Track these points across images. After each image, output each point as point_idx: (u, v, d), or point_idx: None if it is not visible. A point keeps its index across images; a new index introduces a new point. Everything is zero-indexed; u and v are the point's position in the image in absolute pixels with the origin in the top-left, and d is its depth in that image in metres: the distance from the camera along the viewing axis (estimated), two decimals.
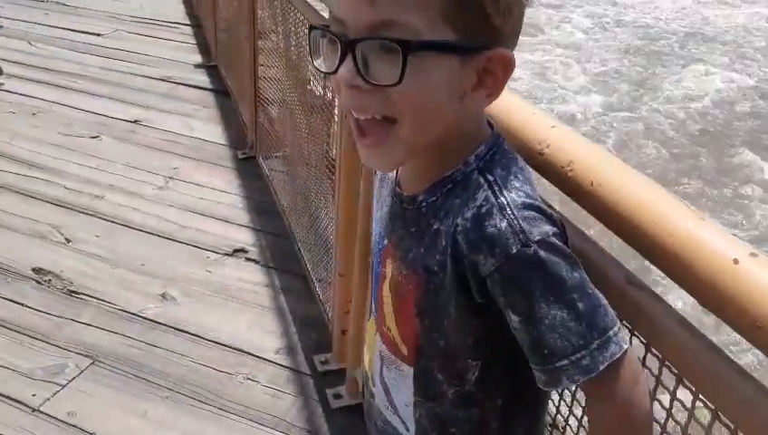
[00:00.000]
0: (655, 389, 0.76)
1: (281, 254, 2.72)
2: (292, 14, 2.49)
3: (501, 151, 0.76)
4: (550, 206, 0.76)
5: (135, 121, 3.85)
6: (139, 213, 2.95)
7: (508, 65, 0.70)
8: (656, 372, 0.75)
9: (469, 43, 0.67)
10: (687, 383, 0.69)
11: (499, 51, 0.69)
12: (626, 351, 0.69)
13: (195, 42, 5.20)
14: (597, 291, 0.69)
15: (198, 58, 4.85)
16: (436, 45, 0.65)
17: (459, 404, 0.80)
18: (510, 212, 0.68)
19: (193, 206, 3.03)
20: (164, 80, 4.46)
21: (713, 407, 0.66)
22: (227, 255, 2.71)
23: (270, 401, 2.01)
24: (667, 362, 0.73)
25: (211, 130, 3.78)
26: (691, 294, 0.67)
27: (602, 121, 6.14)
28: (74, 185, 3.15)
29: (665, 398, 0.76)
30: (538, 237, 0.67)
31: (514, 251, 0.67)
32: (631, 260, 0.81)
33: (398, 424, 0.88)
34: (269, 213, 2.99)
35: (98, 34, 5.32)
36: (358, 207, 1.76)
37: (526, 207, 0.69)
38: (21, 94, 4.14)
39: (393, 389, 0.86)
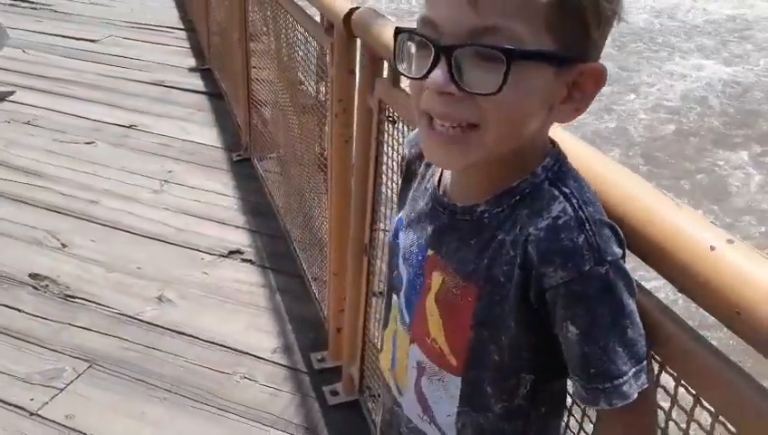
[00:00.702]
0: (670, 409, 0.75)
1: (276, 254, 2.73)
2: (281, 15, 2.50)
3: (566, 164, 0.75)
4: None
5: (130, 126, 3.86)
6: (135, 217, 2.96)
7: (600, 79, 0.69)
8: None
9: (568, 53, 0.66)
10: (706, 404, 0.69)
11: (593, 64, 0.68)
12: (650, 385, 0.72)
13: (189, 45, 5.21)
14: (640, 320, 0.71)
15: (192, 62, 4.87)
16: (539, 55, 0.64)
17: (506, 417, 0.80)
18: (589, 228, 0.68)
19: (188, 208, 3.04)
20: (158, 84, 4.48)
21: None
22: (223, 256, 2.72)
23: (268, 399, 2.03)
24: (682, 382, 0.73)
25: (206, 133, 3.79)
26: (669, 281, 0.69)
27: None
28: (70, 190, 3.16)
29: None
30: (611, 258, 0.67)
31: (587, 268, 0.67)
32: None
33: (433, 433, 0.87)
34: (264, 214, 3.00)
35: (92, 40, 5.33)
36: (350, 207, 1.77)
37: (603, 224, 0.69)
38: (15, 102, 4.15)
39: (433, 399, 0.84)
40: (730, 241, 0.64)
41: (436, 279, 0.80)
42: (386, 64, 1.42)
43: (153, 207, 3.06)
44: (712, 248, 0.64)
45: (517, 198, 0.73)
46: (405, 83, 1.39)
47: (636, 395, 0.69)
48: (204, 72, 4.62)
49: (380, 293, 1.62)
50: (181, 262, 2.67)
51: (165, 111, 4.07)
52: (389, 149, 1.46)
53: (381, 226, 1.63)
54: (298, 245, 2.67)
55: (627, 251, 0.72)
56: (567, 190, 0.71)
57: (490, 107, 0.66)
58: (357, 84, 1.56)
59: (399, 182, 0.95)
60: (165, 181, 3.27)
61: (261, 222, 2.95)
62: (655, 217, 0.71)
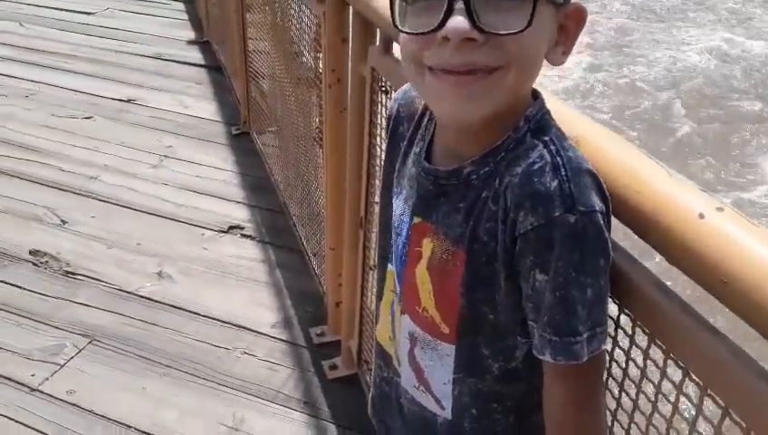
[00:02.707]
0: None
1: (276, 229, 2.72)
2: None
3: (548, 114, 0.74)
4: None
5: (128, 100, 3.83)
6: (135, 193, 2.95)
7: (581, 18, 0.70)
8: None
9: None
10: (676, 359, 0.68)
11: (576, 4, 0.70)
12: (603, 350, 0.70)
13: (187, 18, 5.15)
14: (608, 283, 0.69)
15: (191, 34, 4.81)
16: None
17: (503, 379, 0.79)
18: (564, 173, 0.66)
19: (188, 184, 3.03)
20: (156, 57, 4.43)
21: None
22: (223, 232, 2.71)
23: (267, 374, 2.03)
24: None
25: (204, 107, 3.76)
26: (658, 251, 0.67)
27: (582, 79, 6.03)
28: (69, 166, 3.14)
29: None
30: (583, 208, 0.65)
31: (556, 214, 0.65)
32: None
33: (428, 403, 0.85)
34: (264, 189, 2.98)
35: (89, 13, 5.27)
36: (345, 180, 1.75)
37: (583, 172, 0.67)
38: (12, 77, 4.11)
39: (428, 368, 0.83)
40: (720, 209, 0.62)
41: (427, 246, 0.79)
42: (378, 32, 1.38)
43: (153, 182, 3.04)
44: (701, 216, 0.62)
45: (502, 154, 0.72)
46: (396, 51, 1.36)
47: (585, 358, 0.68)
48: (202, 44, 4.57)
49: (375, 266, 1.60)
50: (181, 237, 2.66)
51: (163, 85, 4.03)
52: (383, 119, 1.43)
53: (376, 198, 1.61)
54: (297, 219, 2.65)
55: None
56: (546, 138, 0.70)
57: (515, 47, 0.65)
58: (350, 53, 1.53)
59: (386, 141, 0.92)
60: (164, 156, 3.25)
61: (260, 197, 2.94)
62: (643, 183, 0.69)
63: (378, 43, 1.40)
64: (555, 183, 0.66)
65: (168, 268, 2.49)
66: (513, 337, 0.76)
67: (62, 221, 2.75)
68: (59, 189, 2.97)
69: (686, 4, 8.20)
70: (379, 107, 1.44)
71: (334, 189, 1.86)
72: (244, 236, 2.70)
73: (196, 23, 4.95)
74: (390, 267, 0.88)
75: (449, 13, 0.63)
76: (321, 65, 1.81)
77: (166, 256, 2.55)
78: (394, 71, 1.32)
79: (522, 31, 0.63)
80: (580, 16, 0.70)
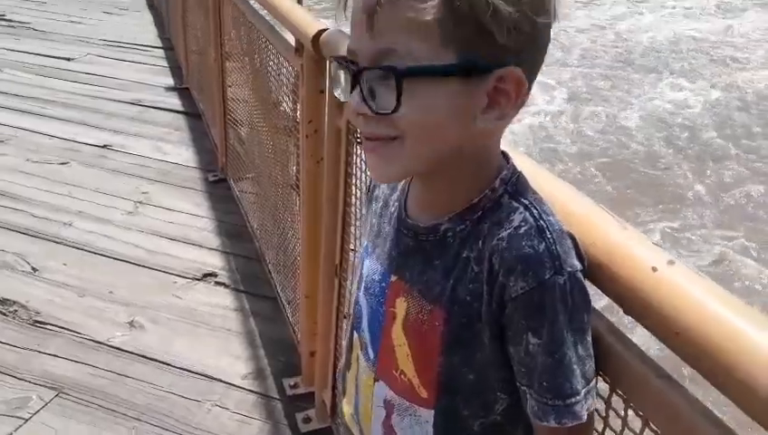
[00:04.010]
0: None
1: (251, 277, 2.70)
2: (255, 35, 2.49)
3: (522, 176, 0.74)
4: None
5: (105, 146, 3.82)
6: (108, 239, 2.92)
7: (519, 84, 0.67)
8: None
9: (469, 64, 0.65)
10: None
11: (508, 69, 0.66)
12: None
13: (167, 64, 5.19)
14: (590, 339, 0.70)
15: (170, 81, 4.84)
16: (428, 70, 0.64)
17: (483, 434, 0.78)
18: (549, 236, 0.67)
19: (163, 230, 3.01)
20: (135, 103, 4.44)
21: None
22: (197, 279, 2.68)
23: (238, 427, 1.98)
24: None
25: (182, 154, 3.76)
26: (615, 302, 0.69)
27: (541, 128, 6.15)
28: (42, 212, 3.11)
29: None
30: (570, 269, 0.67)
31: (547, 277, 0.66)
32: None
33: None
34: (239, 236, 2.97)
35: (68, 59, 5.29)
36: (321, 228, 1.75)
37: (564, 234, 0.69)
38: None
39: None
40: (671, 262, 0.65)
41: (401, 306, 0.78)
42: None
43: (127, 228, 3.01)
44: (654, 269, 0.64)
45: (479, 213, 0.73)
46: None
47: (585, 417, 0.69)
48: (182, 91, 4.60)
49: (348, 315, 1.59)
50: (154, 285, 2.63)
51: (141, 131, 4.03)
52: (357, 170, 1.44)
53: (351, 246, 1.61)
54: (272, 267, 2.64)
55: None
56: (526, 202, 0.71)
57: (402, 122, 0.67)
58: (327, 103, 1.55)
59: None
60: (140, 203, 3.23)
61: (236, 244, 2.92)
62: (598, 236, 0.71)
63: None
64: (543, 246, 0.67)
65: (139, 317, 2.45)
66: (494, 393, 0.76)
67: (33, 269, 2.71)
68: (31, 236, 2.93)
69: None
70: (354, 158, 1.45)
71: (309, 237, 1.86)
72: (218, 283, 2.67)
73: (175, 69, 4.99)
74: (356, 336, 0.87)
75: (353, 87, 0.69)
76: (298, 115, 1.83)
77: (138, 304, 2.51)
78: None
79: (392, 112, 0.65)
80: (516, 81, 0.67)
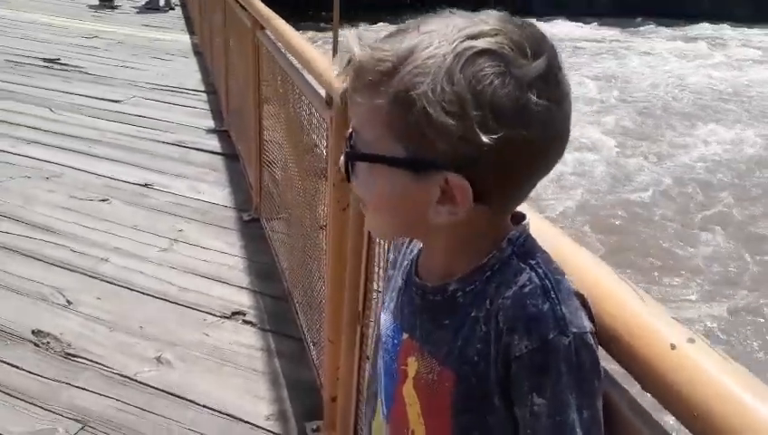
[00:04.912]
0: None
1: (278, 316, 2.72)
2: (290, 85, 2.57)
3: (531, 238, 0.74)
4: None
5: (145, 185, 3.94)
6: (142, 275, 2.98)
7: (462, 191, 0.67)
8: None
9: (414, 161, 0.67)
10: None
11: (449, 174, 0.67)
12: None
13: (209, 108, 5.36)
14: (601, 404, 0.68)
15: (211, 123, 4.99)
16: (378, 159, 0.70)
17: None
18: (554, 296, 0.67)
19: (195, 268, 3.06)
20: (176, 144, 4.58)
21: None
22: (225, 317, 2.71)
23: None
24: None
25: (218, 193, 3.85)
26: (631, 375, 0.66)
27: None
28: (81, 247, 3.20)
29: None
30: (576, 330, 0.66)
31: (551, 337, 0.65)
32: None
33: None
34: (269, 275, 3.00)
35: (116, 101, 5.51)
36: (345, 274, 1.76)
37: (571, 294, 0.68)
38: (38, 159, 4.26)
39: None
40: (691, 340, 0.62)
41: (412, 364, 0.78)
42: None
43: (160, 265, 3.08)
44: (673, 347, 0.62)
45: (488, 273, 0.72)
46: None
47: None
48: (221, 133, 4.73)
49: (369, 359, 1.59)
50: (183, 322, 2.67)
51: (181, 171, 4.15)
52: None
53: (374, 295, 1.62)
54: (300, 307, 2.65)
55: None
56: (533, 261, 0.71)
57: (359, 192, 0.75)
58: None
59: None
60: (175, 240, 3.30)
61: (265, 283, 2.95)
62: (615, 306, 0.69)
63: None
64: (547, 305, 0.66)
65: (167, 353, 2.48)
66: None
67: (68, 302, 2.78)
68: (68, 270, 3.01)
69: None
70: None
71: (334, 282, 1.87)
72: (245, 322, 2.70)
73: (216, 113, 5.15)
74: (376, 386, 0.87)
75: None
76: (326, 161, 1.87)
77: (166, 340, 2.55)
78: None
79: (348, 181, 0.74)
80: (458, 187, 0.67)
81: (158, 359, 2.45)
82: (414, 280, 0.80)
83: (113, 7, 10.55)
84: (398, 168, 0.68)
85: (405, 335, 0.79)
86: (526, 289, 0.68)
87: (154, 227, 3.40)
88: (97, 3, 10.58)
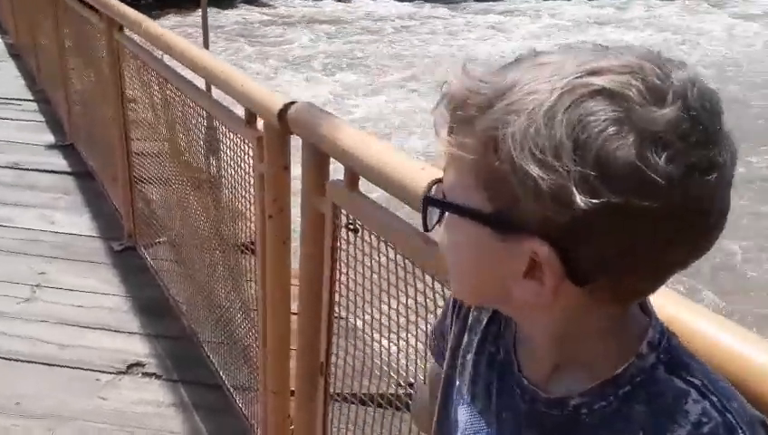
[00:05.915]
0: None
1: (184, 361, 2.39)
2: (172, 91, 2.23)
3: (675, 338, 0.59)
4: None
5: None
6: (4, 336, 2.48)
7: (549, 267, 0.52)
8: None
9: (497, 216, 0.54)
10: None
11: (534, 240, 0.52)
12: None
13: (44, 119, 4.68)
14: None
15: (50, 137, 4.35)
16: (458, 208, 0.58)
17: None
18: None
19: (70, 317, 2.61)
20: (11, 167, 3.93)
21: None
22: (121, 373, 2.33)
23: None
24: None
25: (77, 222, 3.35)
26: None
27: None
28: None
29: None
30: None
31: None
32: None
33: None
34: (161, 313, 2.64)
35: None
36: (289, 320, 1.54)
37: (757, 426, 0.55)
38: None
39: None
40: None
41: None
42: (340, 165, 1.21)
43: (26, 320, 2.59)
44: None
45: (627, 388, 0.57)
46: (363, 188, 1.20)
47: None
48: (65, 148, 4.14)
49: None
50: (71, 387, 2.25)
51: (24, 199, 3.55)
52: (351, 259, 1.24)
53: (333, 350, 1.41)
54: (210, 347, 2.34)
55: None
56: (697, 381, 0.55)
57: (440, 243, 0.64)
58: (302, 183, 1.34)
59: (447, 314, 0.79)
60: (37, 286, 2.80)
61: (158, 323, 2.59)
62: (761, 380, 0.59)
63: (340, 177, 1.23)
64: None
65: (60, 431, 2.07)
66: None
67: None
68: None
69: None
70: (345, 244, 1.25)
71: (276, 328, 1.63)
72: (146, 374, 2.34)
73: (54, 124, 4.51)
74: None
75: None
76: (251, 191, 1.60)
77: (55, 414, 2.13)
78: (363, 208, 1.17)
79: (426, 230, 0.62)
80: (545, 259, 0.52)
81: None
82: (520, 380, 0.63)
83: None
84: (479, 223, 0.56)
85: None
86: (705, 429, 0.53)
87: (8, 274, 2.86)
88: None
